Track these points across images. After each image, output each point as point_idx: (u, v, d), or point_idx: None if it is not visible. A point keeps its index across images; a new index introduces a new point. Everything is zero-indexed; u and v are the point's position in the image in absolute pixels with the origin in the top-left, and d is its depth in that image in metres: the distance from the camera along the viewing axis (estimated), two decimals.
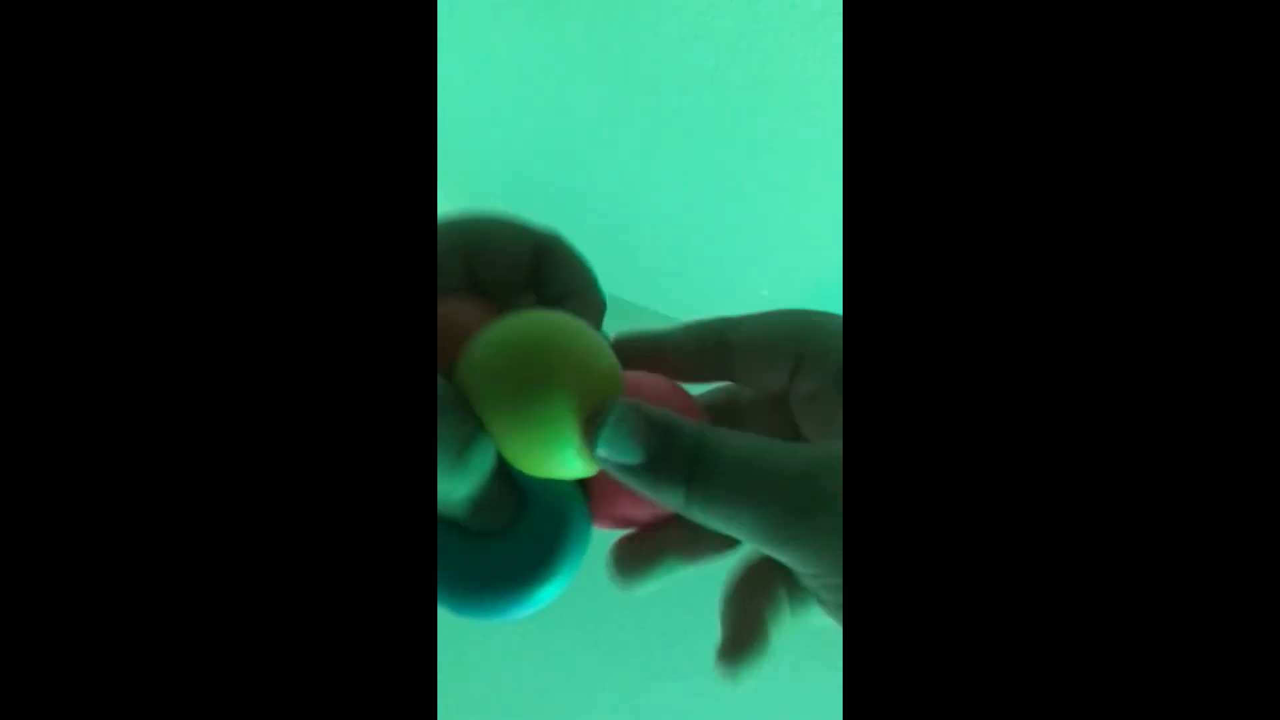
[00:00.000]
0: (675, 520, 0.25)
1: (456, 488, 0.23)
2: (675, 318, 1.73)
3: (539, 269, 0.28)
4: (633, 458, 0.22)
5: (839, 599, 0.23)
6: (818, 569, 0.22)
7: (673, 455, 0.22)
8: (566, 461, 0.23)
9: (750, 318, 0.27)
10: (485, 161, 1.30)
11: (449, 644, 1.53)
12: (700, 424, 0.23)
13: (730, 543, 0.26)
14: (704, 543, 0.26)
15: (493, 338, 0.24)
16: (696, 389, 0.29)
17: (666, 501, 0.22)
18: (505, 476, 0.25)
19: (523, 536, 0.25)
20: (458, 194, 1.50)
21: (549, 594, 0.25)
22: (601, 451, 0.22)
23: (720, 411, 0.28)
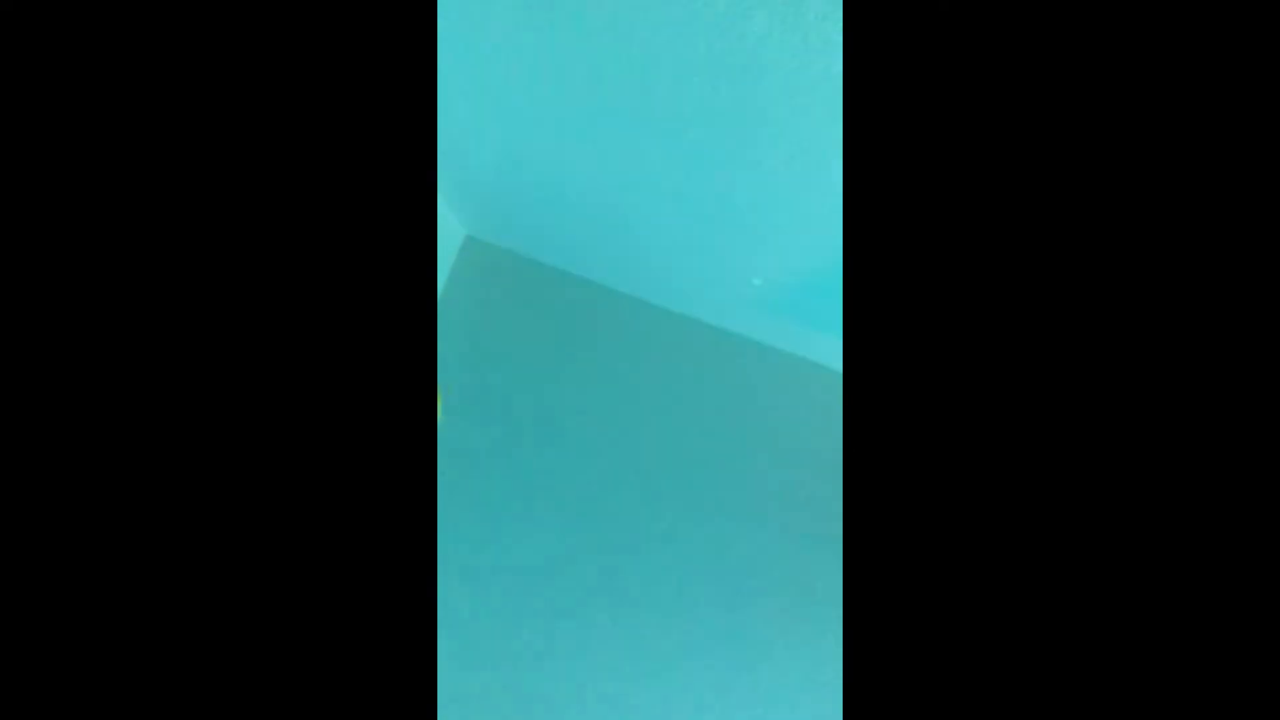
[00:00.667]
0: None
1: None
2: (669, 309, 1.73)
3: None
4: None
5: None
6: None
7: None
8: None
9: None
10: (479, 150, 1.29)
11: (449, 644, 1.54)
12: None
13: None
14: None
15: None
16: None
17: None
18: None
19: None
20: (454, 181, 1.49)
21: None
22: None
23: None
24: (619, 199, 1.29)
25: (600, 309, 1.67)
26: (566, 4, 0.78)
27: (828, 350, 1.59)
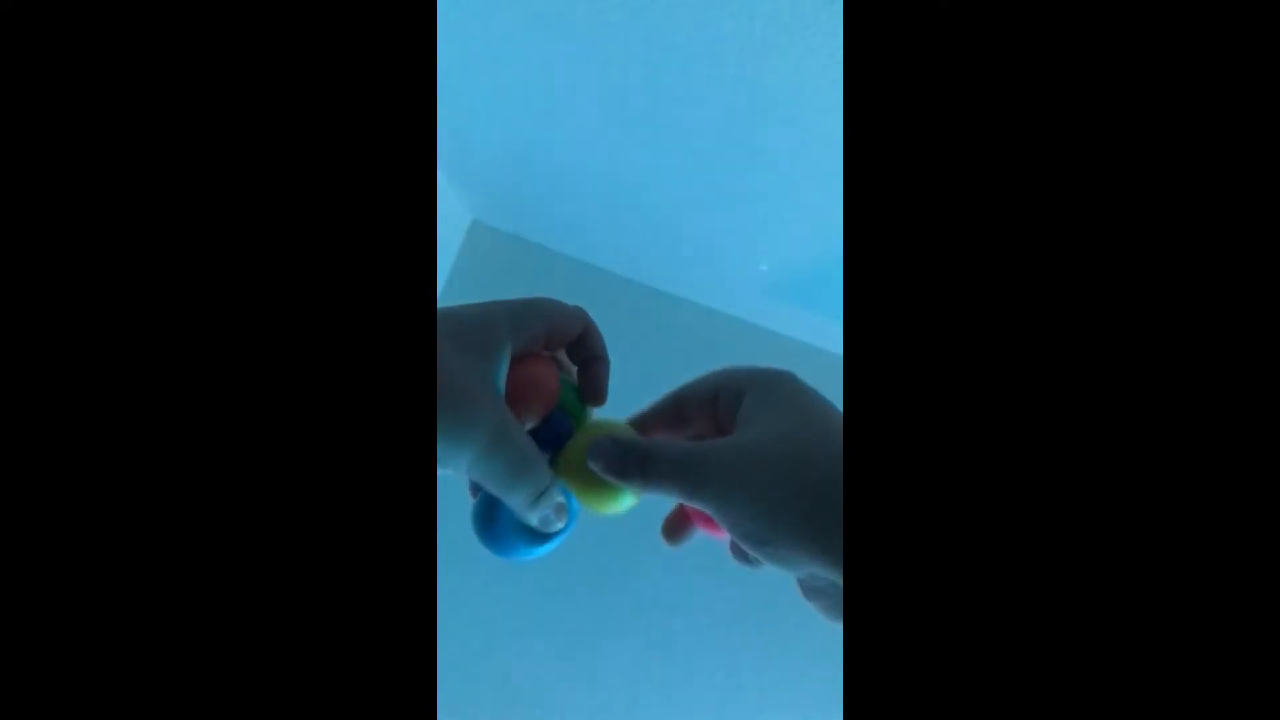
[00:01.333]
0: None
1: (534, 514, 0.38)
2: (675, 294, 1.73)
3: (584, 339, 0.43)
4: (609, 471, 0.38)
5: (742, 537, 0.35)
6: (726, 518, 0.35)
7: (629, 460, 0.37)
8: (620, 507, 0.41)
9: (692, 382, 0.44)
10: (486, 134, 1.29)
11: (449, 641, 1.55)
12: (645, 439, 0.39)
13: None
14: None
15: (578, 449, 0.41)
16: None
17: (632, 486, 0.38)
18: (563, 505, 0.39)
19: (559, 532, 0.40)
20: (460, 165, 1.49)
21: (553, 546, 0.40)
22: (592, 465, 0.38)
23: (670, 414, 0.44)
24: (626, 183, 1.29)
25: (607, 294, 1.66)
26: None
27: (834, 336, 1.59)
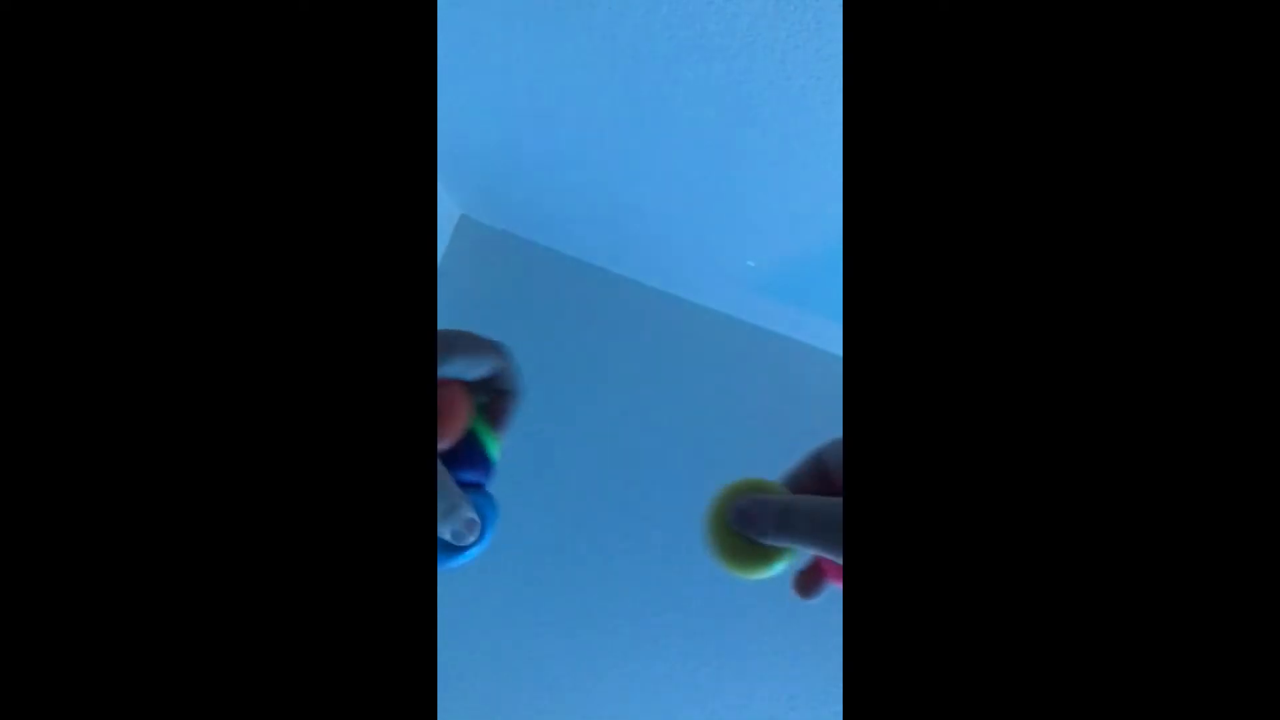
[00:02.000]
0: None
1: (445, 528, 0.41)
2: (663, 291, 1.73)
3: (498, 374, 0.46)
4: (751, 530, 0.41)
5: None
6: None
7: (767, 516, 0.40)
8: (771, 572, 0.43)
9: (835, 439, 0.46)
10: (475, 130, 1.28)
11: (449, 638, 1.55)
12: (784, 496, 0.42)
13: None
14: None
15: (719, 512, 0.44)
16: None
17: (770, 542, 0.41)
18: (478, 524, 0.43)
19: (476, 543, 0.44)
20: (449, 161, 1.48)
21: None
22: (734, 528, 0.42)
23: (814, 471, 0.47)
24: (614, 180, 1.29)
25: (595, 290, 1.66)
26: None
27: (822, 333, 1.60)
